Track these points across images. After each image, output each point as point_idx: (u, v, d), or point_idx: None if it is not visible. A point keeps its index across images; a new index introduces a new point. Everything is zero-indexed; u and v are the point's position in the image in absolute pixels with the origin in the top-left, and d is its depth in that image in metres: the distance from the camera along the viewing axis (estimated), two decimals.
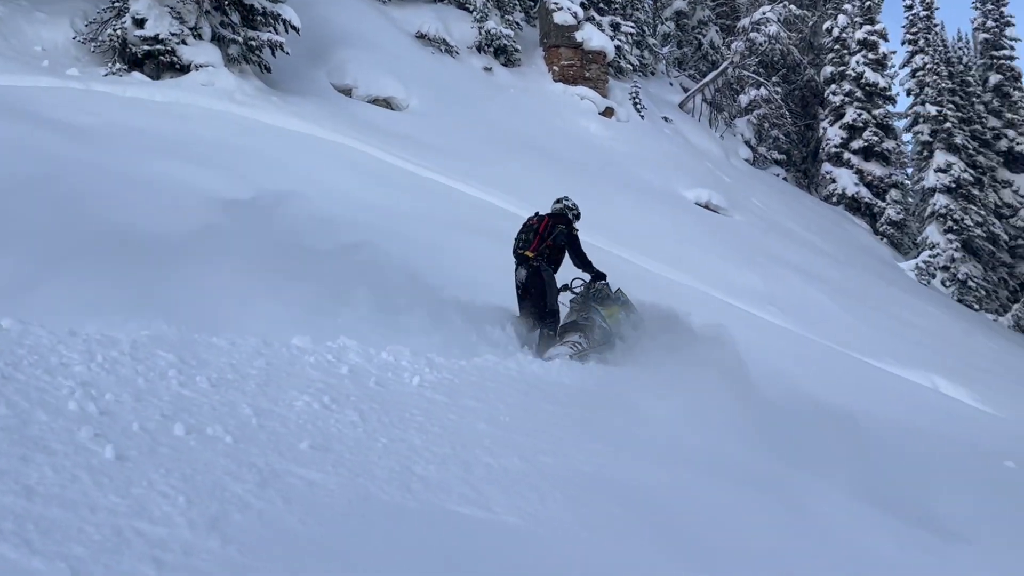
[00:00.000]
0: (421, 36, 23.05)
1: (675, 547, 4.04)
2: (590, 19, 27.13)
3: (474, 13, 24.80)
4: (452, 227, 12.50)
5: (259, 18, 16.91)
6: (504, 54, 25.12)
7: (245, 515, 3.01)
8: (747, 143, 33.47)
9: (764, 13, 34.70)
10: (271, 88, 16.49)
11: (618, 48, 28.41)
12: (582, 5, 26.64)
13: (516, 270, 9.05)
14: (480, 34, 24.61)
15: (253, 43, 16.54)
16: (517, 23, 26.68)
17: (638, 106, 26.76)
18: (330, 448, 3.96)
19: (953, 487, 7.29)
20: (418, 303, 7.81)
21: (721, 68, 34.02)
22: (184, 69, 15.84)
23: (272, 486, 3.31)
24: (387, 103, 19.25)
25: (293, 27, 17.20)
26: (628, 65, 29.85)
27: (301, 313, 6.52)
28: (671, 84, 34.20)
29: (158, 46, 15.65)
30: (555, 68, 25.89)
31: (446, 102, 20.45)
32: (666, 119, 28.56)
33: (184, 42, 15.85)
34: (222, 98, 15.17)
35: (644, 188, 21.33)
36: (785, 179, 34.95)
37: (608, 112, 25.51)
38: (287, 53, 16.95)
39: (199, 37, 16.05)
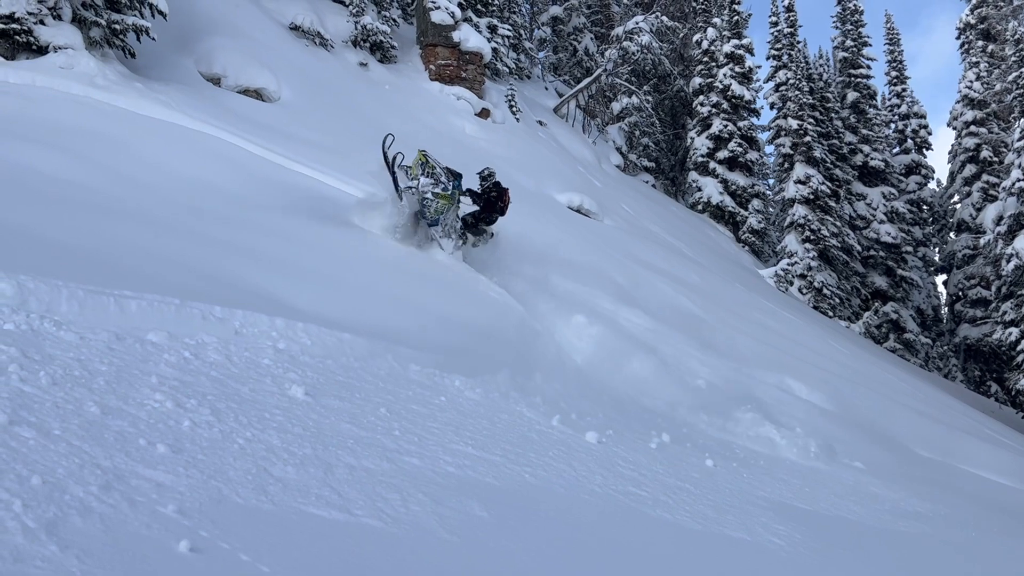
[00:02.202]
0: (295, 28, 22.55)
1: (539, 549, 4.05)
2: (467, 20, 27.14)
3: (350, 7, 24.45)
4: (308, 216, 12.23)
5: (124, 1, 16.20)
6: (380, 50, 24.85)
7: (86, 519, 2.85)
8: (618, 150, 34.12)
9: (637, 23, 35.44)
10: (135, 74, 15.82)
11: (495, 50, 28.52)
12: (460, 5, 26.60)
13: None
14: (356, 29, 24.27)
15: (117, 26, 15.83)
16: (394, 20, 26.44)
17: (514, 109, 26.92)
18: (182, 449, 3.81)
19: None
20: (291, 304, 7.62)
21: (595, 75, 34.57)
22: (42, 50, 15.02)
23: (117, 489, 3.15)
24: (257, 94, 18.74)
25: (160, 12, 16.54)
26: (505, 68, 30.01)
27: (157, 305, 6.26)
28: (546, 89, 34.55)
29: (13, 25, 14.79)
30: (432, 67, 25.78)
31: (319, 96, 20.09)
32: (541, 123, 28.83)
33: (42, 22, 15.02)
34: (82, 82, 14.45)
35: (518, 190, 21.43)
36: (654, 186, 35.80)
37: (484, 113, 25.56)
38: (153, 39, 16.28)
39: (58, 18, 15.25)
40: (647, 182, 35.08)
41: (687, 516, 5.44)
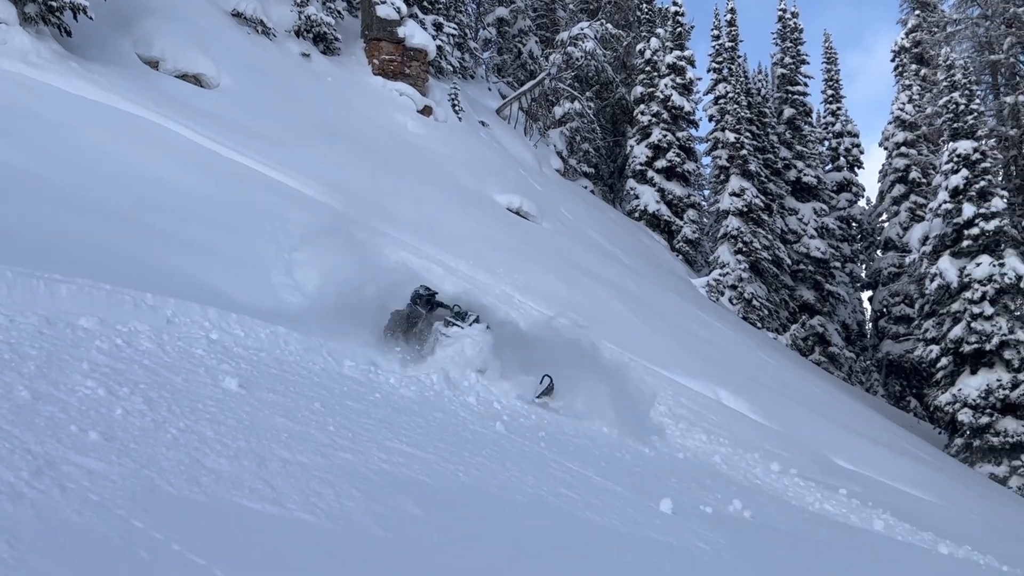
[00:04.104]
0: (237, 15, 22.24)
1: (472, 548, 4.07)
2: (413, 16, 27.06)
3: None
4: (247, 207, 12.10)
5: None
6: (324, 41, 24.64)
7: (17, 505, 2.79)
8: (559, 154, 34.33)
9: (582, 29, 35.70)
10: (71, 53, 15.46)
11: (440, 48, 28.48)
12: (406, 1, 26.52)
13: None
14: (300, 19, 24.03)
15: (53, 3, 15.44)
16: (339, 12, 26.21)
17: (456, 108, 26.92)
18: (114, 437, 3.75)
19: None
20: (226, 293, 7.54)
21: (539, 79, 34.74)
22: None
23: (48, 475, 3.09)
24: (196, 80, 18.43)
25: None
26: (449, 66, 29.98)
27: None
28: (489, 89, 34.60)
29: None
30: (375, 61, 25.64)
31: (260, 84, 19.85)
32: (483, 123, 28.87)
33: None
34: (14, 59, 14.07)
35: (458, 189, 21.48)
36: (592, 192, 36.11)
37: (427, 111, 25.52)
38: (91, 18, 15.93)
39: None
40: (586, 187, 35.36)
41: (616, 519, 5.52)
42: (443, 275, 14.03)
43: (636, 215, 36.14)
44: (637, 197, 36.36)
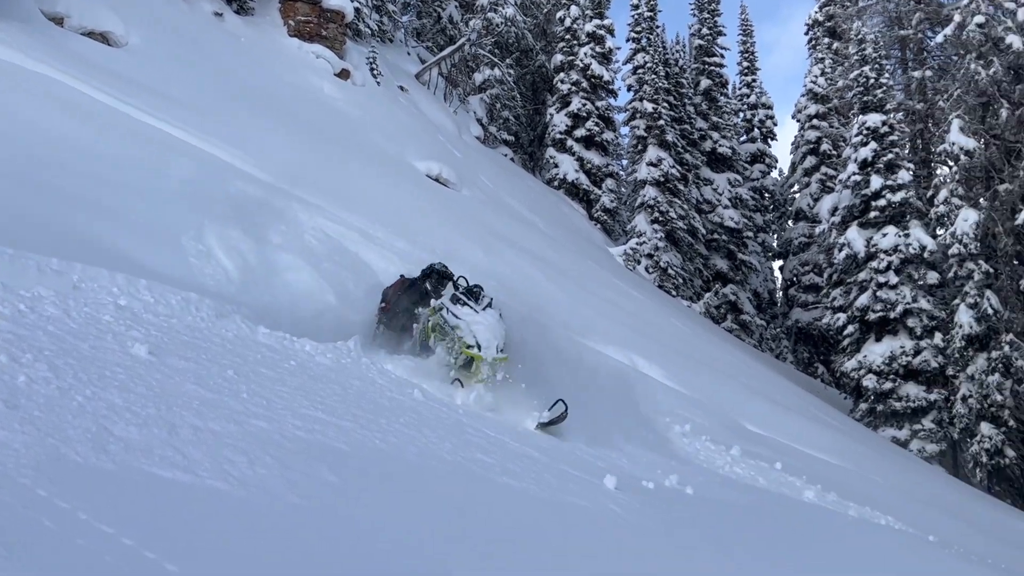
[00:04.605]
0: None
1: (390, 514, 4.07)
2: None
3: None
4: (157, 171, 11.77)
5: None
6: (237, 0, 24.01)
7: None
8: (479, 121, 34.16)
9: None
10: None
11: (357, 10, 27.98)
12: None
13: None
14: None
15: None
16: None
17: (375, 72, 26.53)
18: (17, 405, 3.63)
19: None
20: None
21: (458, 44, 34.43)
22: None
23: None
24: (103, 37, 17.76)
25: None
26: (367, 29, 29.50)
27: None
28: (408, 54, 34.17)
29: None
30: (291, 22, 25.06)
31: (171, 44, 19.23)
32: (402, 88, 28.52)
33: None
34: None
35: (377, 155, 21.22)
36: (512, 160, 36.07)
37: (344, 74, 25.08)
38: None
39: None
40: (506, 155, 35.30)
41: (533, 483, 5.59)
42: (361, 242, 13.90)
43: (555, 184, 36.24)
44: (556, 166, 36.46)
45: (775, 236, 45.55)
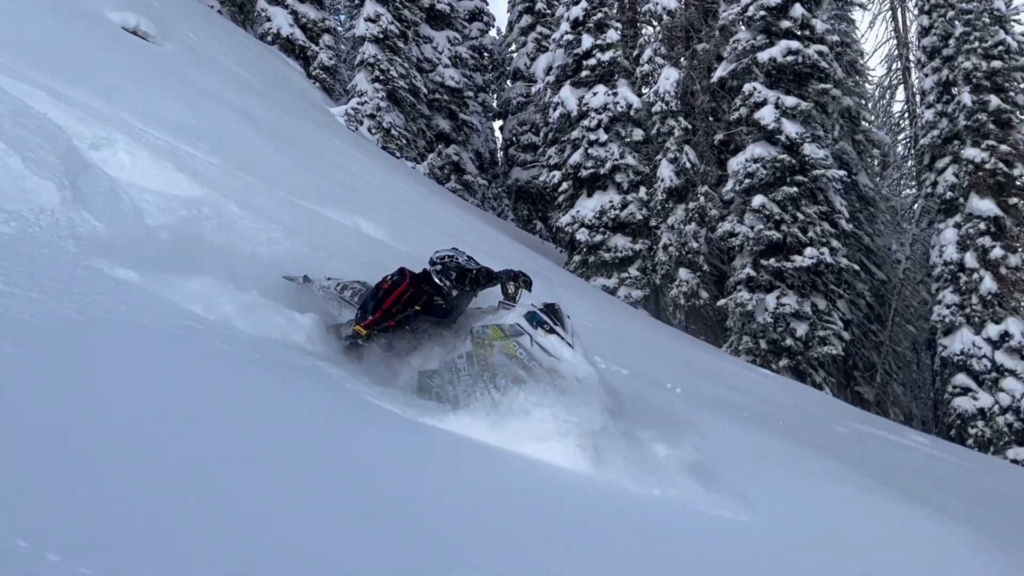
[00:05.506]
0: None
1: (80, 382, 3.79)
2: None
3: None
4: None
5: None
6: None
7: None
8: None
9: None
10: None
11: None
12: None
13: None
14: None
15: None
16: None
17: None
18: None
19: None
20: None
21: None
22: None
23: None
24: None
25: None
26: None
27: None
28: None
29: None
30: None
31: None
32: None
33: None
34: None
35: (62, 6, 19.06)
36: (220, 12, 33.79)
37: None
38: None
39: None
40: (212, 7, 32.99)
41: (247, 346, 5.43)
42: (51, 102, 12.55)
43: (268, 39, 34.42)
44: (269, 20, 34.56)
45: (495, 96, 46.15)
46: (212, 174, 12.64)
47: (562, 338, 6.13)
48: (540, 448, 5.75)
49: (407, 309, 6.68)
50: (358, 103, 33.33)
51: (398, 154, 34.18)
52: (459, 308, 6.85)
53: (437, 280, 6.78)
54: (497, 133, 46.17)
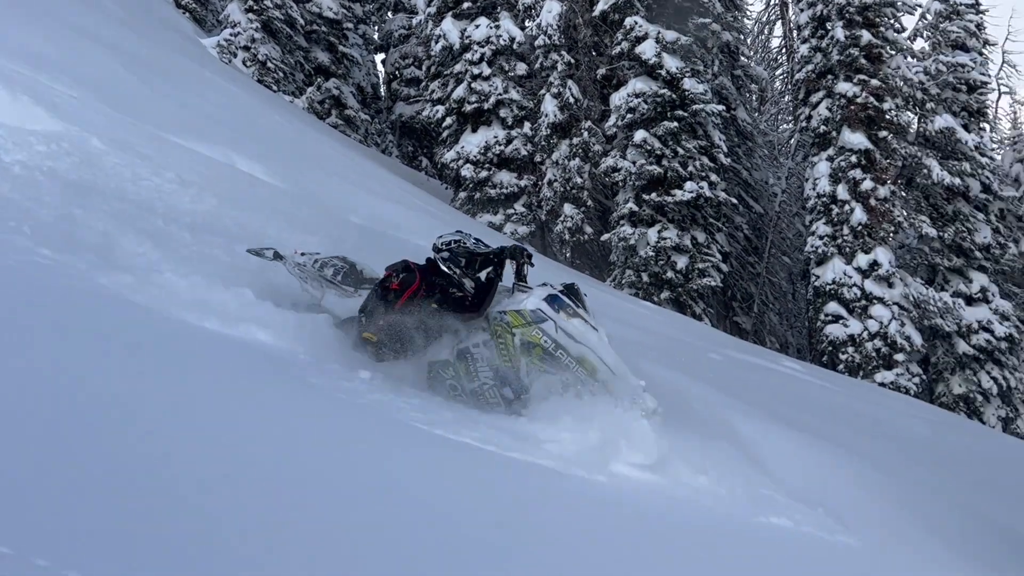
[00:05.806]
0: None
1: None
2: None
3: None
4: None
5: None
6: None
7: None
8: None
9: None
10: None
11: None
12: None
13: None
14: None
15: None
16: None
17: None
18: None
19: None
20: None
21: None
22: None
23: None
24: None
25: None
26: None
27: None
28: None
29: None
30: None
31: None
32: None
33: None
34: None
35: None
36: None
37: None
38: None
39: None
40: None
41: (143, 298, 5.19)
42: None
43: None
44: None
45: (376, 28, 45.05)
46: (73, 108, 11.97)
47: (586, 321, 5.90)
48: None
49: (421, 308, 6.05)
50: (231, 34, 32.08)
51: (275, 88, 33.12)
52: (489, 298, 6.09)
53: (446, 269, 6.17)
54: (379, 67, 45.16)
